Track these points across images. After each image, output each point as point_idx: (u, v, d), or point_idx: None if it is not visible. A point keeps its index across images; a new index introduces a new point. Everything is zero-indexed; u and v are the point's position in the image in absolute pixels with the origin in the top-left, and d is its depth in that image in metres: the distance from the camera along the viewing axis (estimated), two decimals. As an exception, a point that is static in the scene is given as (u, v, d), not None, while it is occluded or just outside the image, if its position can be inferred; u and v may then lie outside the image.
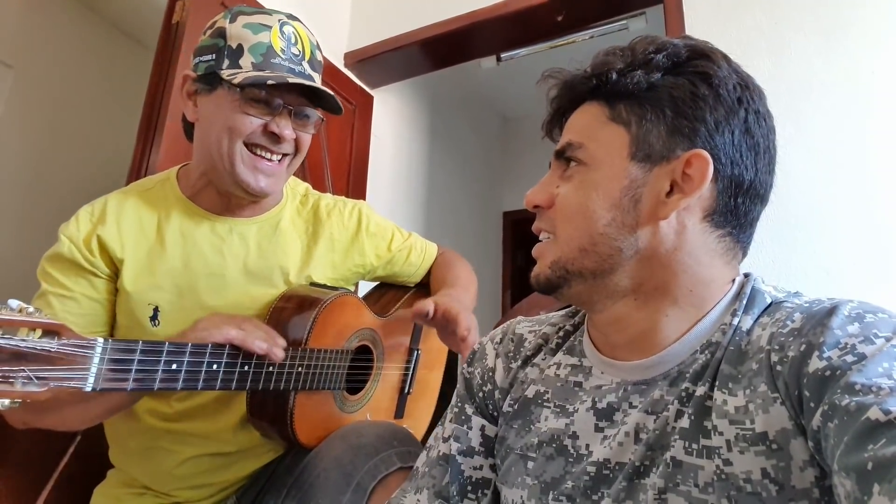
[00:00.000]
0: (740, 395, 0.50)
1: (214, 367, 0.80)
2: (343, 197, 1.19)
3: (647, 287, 0.57)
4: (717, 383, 0.52)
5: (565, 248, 0.58)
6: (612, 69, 0.57)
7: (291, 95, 0.93)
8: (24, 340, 0.62)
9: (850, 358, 0.43)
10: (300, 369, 0.91)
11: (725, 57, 0.58)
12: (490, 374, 0.71)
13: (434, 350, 1.30)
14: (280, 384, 0.88)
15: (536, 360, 0.68)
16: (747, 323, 0.54)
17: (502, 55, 3.02)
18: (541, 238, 0.62)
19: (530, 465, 0.61)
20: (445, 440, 0.70)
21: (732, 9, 1.70)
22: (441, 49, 2.29)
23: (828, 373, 0.44)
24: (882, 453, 0.36)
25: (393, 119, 2.78)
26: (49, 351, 0.64)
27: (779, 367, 0.48)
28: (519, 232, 4.04)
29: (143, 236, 0.95)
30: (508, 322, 0.75)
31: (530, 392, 0.65)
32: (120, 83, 2.71)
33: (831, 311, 0.48)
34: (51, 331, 0.65)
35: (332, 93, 0.95)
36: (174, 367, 0.76)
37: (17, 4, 2.39)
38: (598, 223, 0.56)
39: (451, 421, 0.72)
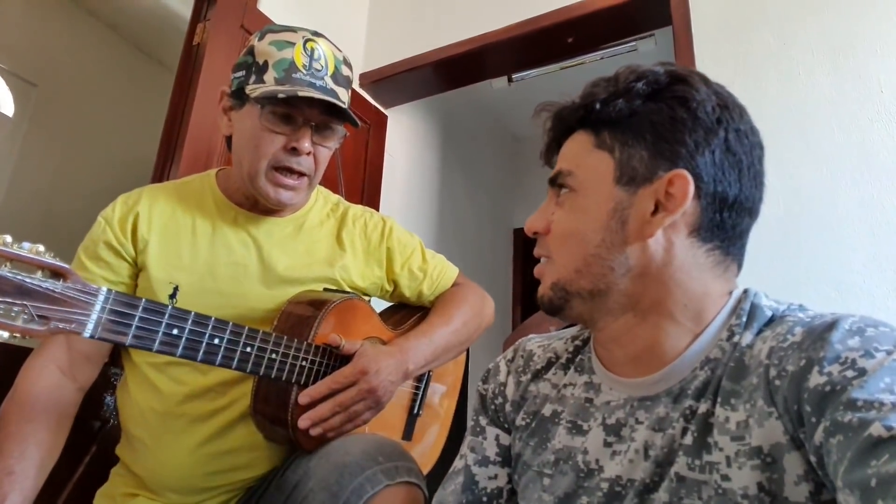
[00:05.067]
0: (741, 410, 0.50)
1: (216, 341, 0.81)
2: (373, 210, 1.19)
3: (644, 303, 0.58)
4: (719, 400, 0.52)
5: (562, 270, 0.61)
6: (597, 99, 0.60)
7: (313, 111, 0.95)
8: (29, 277, 0.65)
9: (850, 373, 0.43)
10: (303, 363, 0.90)
11: (705, 80, 0.60)
12: (501, 388, 0.73)
13: (448, 375, 1.26)
14: (282, 374, 0.88)
15: (548, 374, 0.70)
16: (748, 338, 0.54)
17: (513, 76, 3.06)
18: (541, 261, 0.66)
19: (546, 481, 0.62)
20: (461, 457, 0.72)
21: (741, 29, 1.71)
22: (454, 70, 2.33)
23: (828, 388, 0.44)
24: (885, 470, 0.37)
25: (406, 138, 2.82)
26: (53, 291, 0.66)
27: (777, 382, 0.48)
28: (529, 248, 3.96)
29: (173, 220, 1.00)
30: (520, 340, 0.77)
31: (547, 410, 0.67)
32: (141, 102, 2.78)
33: (831, 325, 0.48)
34: (57, 273, 0.68)
35: (345, 107, 0.97)
36: (175, 332, 0.77)
37: (40, 24, 2.47)
38: (589, 245, 0.59)
39: (465, 437, 0.74)
